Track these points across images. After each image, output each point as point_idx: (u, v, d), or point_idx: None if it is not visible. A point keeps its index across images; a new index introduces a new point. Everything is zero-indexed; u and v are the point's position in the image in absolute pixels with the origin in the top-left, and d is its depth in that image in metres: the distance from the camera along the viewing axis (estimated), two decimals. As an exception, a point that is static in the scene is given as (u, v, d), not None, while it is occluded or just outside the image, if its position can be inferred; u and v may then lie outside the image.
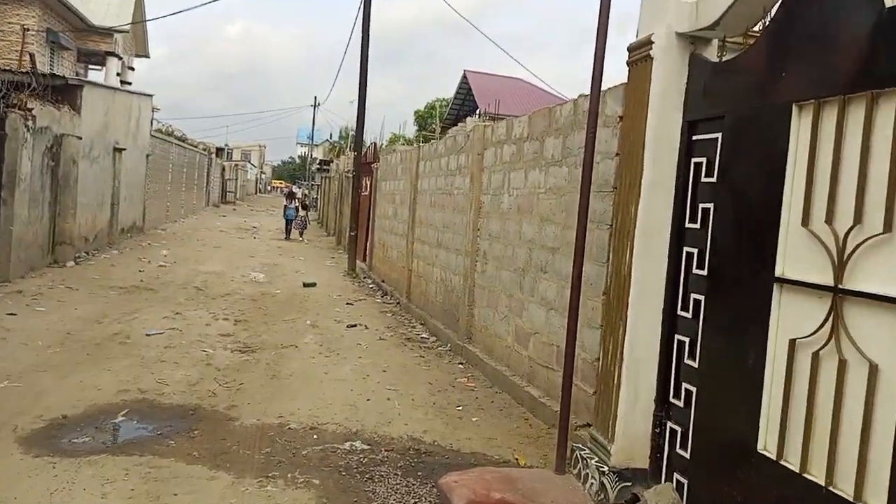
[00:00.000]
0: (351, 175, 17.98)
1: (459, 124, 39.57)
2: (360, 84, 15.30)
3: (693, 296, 3.70)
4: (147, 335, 7.80)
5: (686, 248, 3.79)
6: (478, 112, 39.89)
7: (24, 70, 11.49)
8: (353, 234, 15.38)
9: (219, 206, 43.04)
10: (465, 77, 44.28)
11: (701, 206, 3.68)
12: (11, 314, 8.17)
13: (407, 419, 5.45)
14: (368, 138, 18.55)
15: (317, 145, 71.94)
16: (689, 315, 3.72)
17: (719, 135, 3.55)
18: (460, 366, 7.39)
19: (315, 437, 4.92)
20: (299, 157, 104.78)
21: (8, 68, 11.51)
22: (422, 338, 8.83)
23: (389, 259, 12.86)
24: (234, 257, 16.49)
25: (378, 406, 5.75)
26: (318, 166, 57.77)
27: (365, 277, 14.65)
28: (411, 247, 10.88)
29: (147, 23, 32.89)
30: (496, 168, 7.49)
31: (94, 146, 14.63)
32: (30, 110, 10.53)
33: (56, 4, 23.60)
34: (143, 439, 4.70)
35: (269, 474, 4.22)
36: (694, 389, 3.63)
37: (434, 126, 51.41)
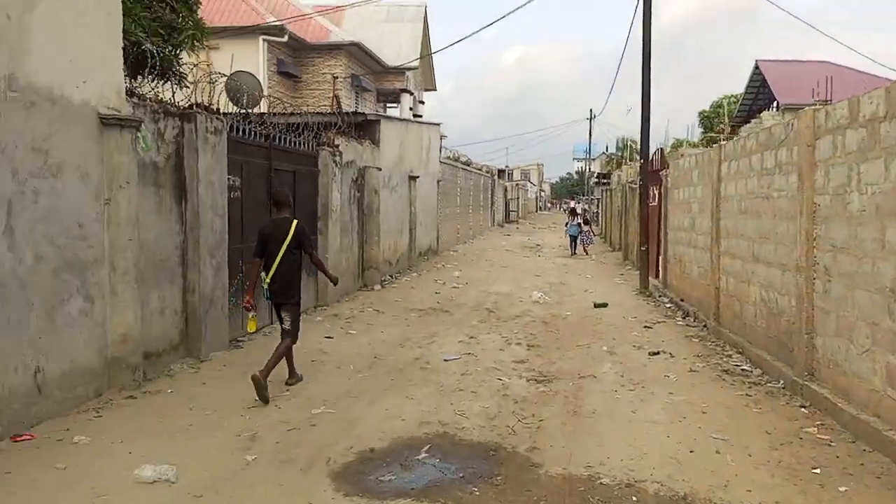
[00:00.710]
0: (636, 185, 16.86)
1: (753, 121, 35.63)
2: (642, 86, 14.20)
3: None
4: (445, 360, 7.76)
5: None
6: (776, 105, 35.53)
7: (331, 111, 12.72)
8: (643, 249, 14.25)
9: (503, 225, 44.64)
10: (757, 68, 39.84)
11: None
12: (329, 337, 8.82)
13: (747, 482, 4.35)
14: (652, 145, 17.28)
15: (593, 159, 71.20)
16: None
17: None
18: (803, 410, 5.96)
19: (634, 498, 4.12)
20: (576, 172, 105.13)
21: (318, 111, 12.88)
22: (742, 370, 7.48)
23: (688, 276, 11.51)
24: (522, 277, 16.44)
25: (705, 460, 4.74)
26: (596, 180, 56.93)
27: (660, 296, 13.42)
28: (717, 262, 9.49)
29: (433, 60, 35.58)
30: (836, 161, 5.97)
31: (392, 176, 15.76)
32: (337, 147, 11.54)
33: (358, 52, 26.57)
34: (446, 483, 4.37)
35: (586, 546, 3.54)
36: None
37: (722, 126, 47.30)
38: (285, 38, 23.32)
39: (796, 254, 6.60)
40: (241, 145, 8.61)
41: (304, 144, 10.50)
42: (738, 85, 46.75)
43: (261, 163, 9.28)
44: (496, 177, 43.78)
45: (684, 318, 11.08)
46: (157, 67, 7.61)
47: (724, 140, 15.25)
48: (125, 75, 8.20)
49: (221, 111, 8.23)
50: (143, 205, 6.48)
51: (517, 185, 62.73)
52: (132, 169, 6.13)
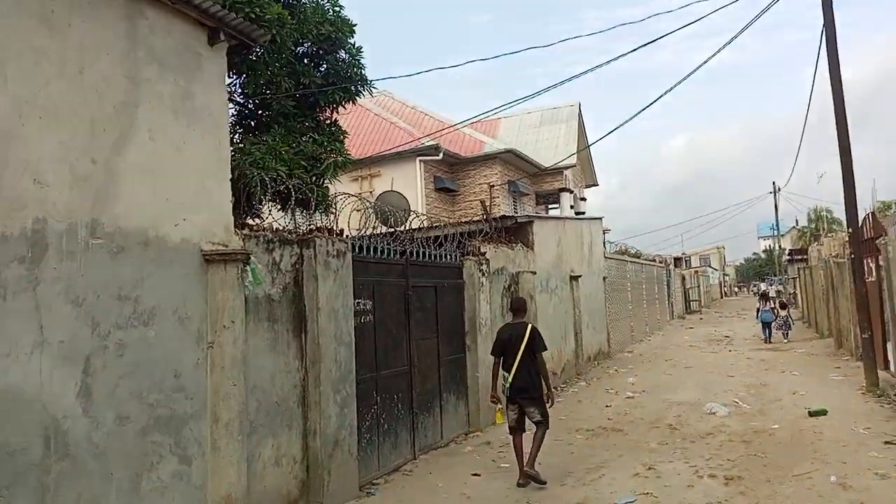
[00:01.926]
0: (847, 259, 14.19)
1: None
2: (839, 138, 12.05)
3: None
4: (615, 507, 6.21)
5: None
6: None
7: (476, 219, 12.04)
8: (865, 336, 11.56)
9: (684, 317, 41.03)
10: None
11: None
12: (475, 475, 7.59)
13: None
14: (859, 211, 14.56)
15: (782, 235, 65.00)
16: None
17: None
18: None
19: None
20: (763, 251, 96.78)
21: (465, 220, 12.27)
22: None
23: (936, 369, 8.92)
24: (710, 378, 14.15)
25: None
26: (788, 257, 51.42)
27: (896, 394, 10.64)
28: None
29: (592, 156, 34.77)
30: None
31: (551, 278, 14.61)
32: (483, 254, 10.71)
33: (512, 158, 26.39)
34: None
35: None
36: None
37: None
38: (440, 156, 23.81)
39: None
40: (371, 265, 8.03)
41: (446, 256, 9.81)
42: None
43: (395, 281, 8.63)
44: (672, 266, 40.83)
45: (940, 426, 8.46)
46: (294, 197, 7.53)
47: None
48: (252, 207, 8.24)
49: (346, 233, 7.75)
50: (256, 343, 5.94)
51: (696, 271, 58.33)
52: (238, 305, 5.62)
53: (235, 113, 9.82)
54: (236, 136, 9.70)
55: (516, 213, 24.82)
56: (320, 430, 6.37)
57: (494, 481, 7.32)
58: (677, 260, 69.35)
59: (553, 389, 7.62)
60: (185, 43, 5.50)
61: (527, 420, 7.33)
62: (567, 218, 16.96)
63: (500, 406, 7.56)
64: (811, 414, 9.56)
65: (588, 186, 35.37)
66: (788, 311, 22.76)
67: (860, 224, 12.43)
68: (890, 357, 11.97)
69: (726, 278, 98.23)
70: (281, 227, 6.97)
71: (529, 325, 7.42)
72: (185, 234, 5.35)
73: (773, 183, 52.60)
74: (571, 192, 30.44)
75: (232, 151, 6.91)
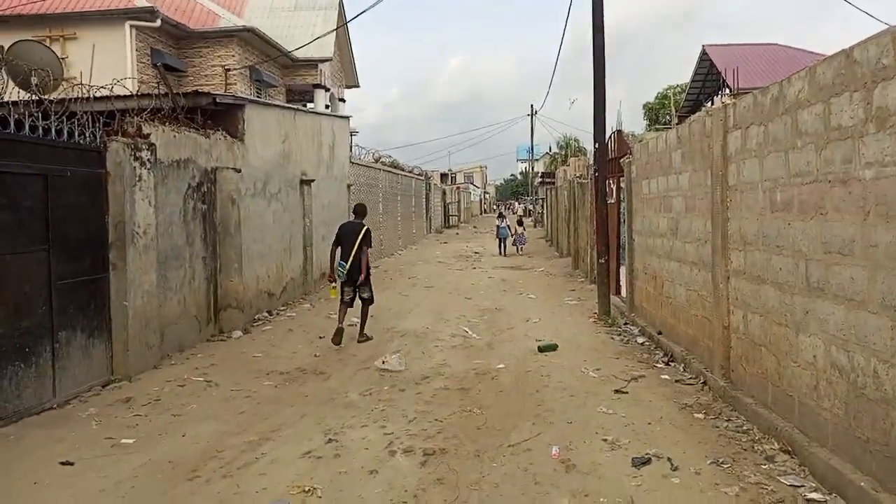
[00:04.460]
0: (587, 179, 13.44)
1: (703, 109, 32.97)
2: (594, 52, 10.74)
3: None
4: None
5: None
6: (727, 90, 32.91)
7: (149, 93, 8.77)
8: (602, 261, 10.72)
9: (442, 231, 41.01)
10: (704, 53, 37.22)
11: None
12: (67, 464, 4.93)
13: None
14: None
15: (537, 159, 68.67)
16: None
17: None
18: None
19: None
20: (520, 173, 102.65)
21: (136, 94, 8.88)
22: (809, 496, 3.98)
23: (669, 299, 8.07)
24: (447, 302, 12.79)
25: None
26: (540, 179, 54.08)
27: (626, 324, 9.96)
28: (724, 286, 6.03)
29: (353, 53, 31.74)
30: None
31: (271, 180, 11.91)
32: (145, 136, 7.64)
33: (255, 41, 22.51)
34: None
35: None
36: None
37: (668, 118, 44.80)
38: (158, 23, 19.20)
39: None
40: None
41: (68, 132, 6.63)
42: (684, 76, 44.43)
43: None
44: (431, 180, 40.12)
45: (668, 363, 7.61)
46: None
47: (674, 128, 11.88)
48: None
49: None
50: None
51: (458, 188, 59.18)
52: None
53: None
54: None
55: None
56: None
57: (91, 472, 4.73)
58: (444, 176, 70.19)
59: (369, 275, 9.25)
60: None
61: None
62: (299, 109, 14.17)
63: (334, 284, 9.35)
64: (540, 350, 8.33)
65: (349, 87, 32.49)
66: (524, 228, 25.83)
67: (606, 140, 11.47)
68: (622, 282, 11.43)
69: (487, 196, 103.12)
70: None
71: (366, 226, 9.19)
72: None
73: (531, 106, 54.33)
74: (328, 89, 27.40)
75: None
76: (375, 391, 6.78)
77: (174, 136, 8.52)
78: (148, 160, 7.60)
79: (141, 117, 7.97)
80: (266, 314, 11.22)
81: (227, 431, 5.63)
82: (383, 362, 7.38)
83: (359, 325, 9.29)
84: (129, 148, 7.21)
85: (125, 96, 8.61)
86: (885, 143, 3.51)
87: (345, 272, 8.97)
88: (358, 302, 9.17)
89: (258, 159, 11.33)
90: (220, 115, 10.35)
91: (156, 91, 9.03)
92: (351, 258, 8.94)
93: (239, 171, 10.12)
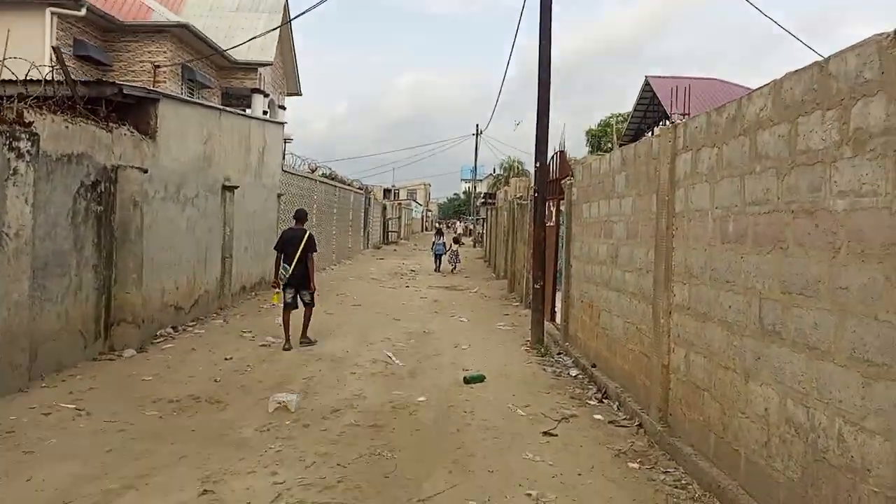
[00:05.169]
0: (530, 198, 12.93)
1: (644, 138, 33.47)
2: (539, 68, 10.24)
3: None
4: None
5: None
6: (667, 120, 33.43)
7: (38, 79, 7.72)
8: (537, 286, 10.14)
9: (380, 247, 40.12)
10: (647, 84, 37.91)
11: None
12: None
13: None
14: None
15: (481, 180, 68.79)
16: None
17: None
18: None
19: None
20: (464, 192, 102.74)
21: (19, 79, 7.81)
22: None
23: (605, 330, 7.53)
24: (374, 323, 11.98)
25: None
26: (482, 200, 53.89)
27: (560, 353, 9.40)
28: (666, 321, 5.49)
29: (297, 60, 30.75)
30: None
31: (187, 183, 10.92)
32: (26, 125, 6.64)
33: (189, 38, 21.33)
34: None
35: None
36: None
37: (610, 145, 45.33)
38: (83, 12, 17.87)
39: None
40: None
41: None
42: (627, 107, 45.16)
43: None
44: (371, 194, 39.27)
45: (601, 399, 7.04)
46: None
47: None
48: None
49: None
50: None
51: (400, 204, 58.46)
52: None
53: None
54: None
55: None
56: None
57: None
58: (387, 191, 69.30)
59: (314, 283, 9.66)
60: None
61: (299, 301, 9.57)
62: (225, 109, 13.19)
63: (277, 290, 9.72)
64: (467, 381, 7.63)
65: (290, 94, 31.46)
66: (459, 246, 26.08)
67: (548, 161, 10.99)
68: (557, 307, 10.91)
69: (429, 214, 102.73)
70: None
71: (308, 231, 9.62)
72: None
73: (476, 125, 54.42)
74: (267, 95, 26.31)
75: None
76: (275, 426, 5.94)
77: (66, 128, 7.51)
78: (28, 152, 6.60)
79: (26, 104, 6.97)
80: (170, 330, 10.17)
81: (84, 475, 4.69)
82: (279, 402, 6.48)
83: (302, 328, 9.58)
84: (7, 137, 6.20)
85: (7, 81, 7.57)
86: (864, 170, 2.99)
87: (287, 275, 9.32)
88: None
89: (172, 160, 10.34)
90: (129, 110, 9.36)
91: (49, 77, 7.98)
92: (294, 262, 9.30)
93: (146, 171, 9.12)
